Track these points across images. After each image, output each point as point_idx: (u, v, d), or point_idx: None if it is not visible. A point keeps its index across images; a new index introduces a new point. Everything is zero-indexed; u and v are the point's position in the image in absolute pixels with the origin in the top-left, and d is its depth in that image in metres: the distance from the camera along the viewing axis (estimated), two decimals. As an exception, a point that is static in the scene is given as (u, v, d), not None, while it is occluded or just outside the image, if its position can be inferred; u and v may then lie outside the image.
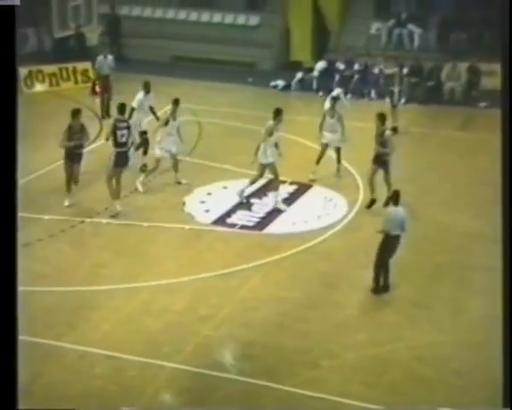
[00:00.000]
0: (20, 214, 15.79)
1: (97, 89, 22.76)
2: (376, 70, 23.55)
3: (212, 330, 11.59)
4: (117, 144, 15.05)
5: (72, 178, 15.55)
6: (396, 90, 20.96)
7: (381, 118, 15.66)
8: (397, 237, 12.28)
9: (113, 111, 19.51)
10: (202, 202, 15.92)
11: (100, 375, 10.52)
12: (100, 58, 21.69)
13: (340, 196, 16.17)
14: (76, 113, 15.57)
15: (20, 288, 12.21)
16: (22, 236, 14.28)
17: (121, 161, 15.04)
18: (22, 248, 13.33)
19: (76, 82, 24.39)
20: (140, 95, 17.42)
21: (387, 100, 21.11)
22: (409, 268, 13.16)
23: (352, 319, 11.97)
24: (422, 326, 11.70)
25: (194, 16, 27.78)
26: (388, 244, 12.26)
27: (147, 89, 17.47)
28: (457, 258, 13.71)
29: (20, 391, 9.98)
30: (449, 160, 18.40)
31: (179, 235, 14.56)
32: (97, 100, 21.84)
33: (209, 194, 16.27)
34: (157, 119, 17.18)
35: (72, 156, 15.47)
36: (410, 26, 25.10)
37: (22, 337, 10.88)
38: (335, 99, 17.66)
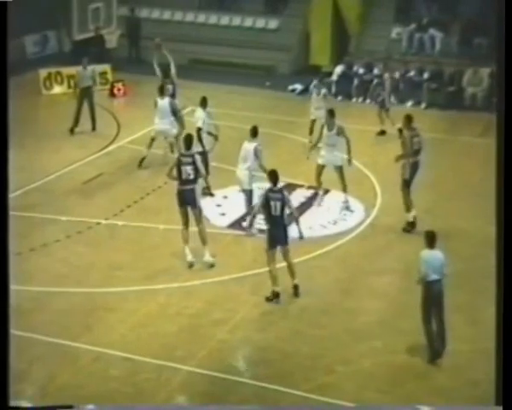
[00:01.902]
0: (38, 215, 15.97)
1: (117, 91, 22.82)
2: (397, 75, 23.37)
3: (227, 334, 11.54)
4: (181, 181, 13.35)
5: None
6: (386, 93, 20.56)
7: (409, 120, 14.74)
8: (437, 282, 10.77)
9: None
10: (218, 206, 15.88)
11: (115, 377, 10.53)
12: (79, 70, 20.53)
13: (357, 201, 16.07)
14: None
15: (37, 288, 12.31)
16: (40, 237, 14.49)
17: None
18: (40, 248, 13.56)
19: (95, 84, 24.42)
20: (200, 112, 16.43)
21: (377, 104, 20.48)
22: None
23: (368, 325, 11.86)
24: (440, 334, 11.56)
25: (213, 19, 27.75)
26: (428, 292, 10.72)
27: (204, 104, 16.49)
28: (476, 265, 13.56)
29: (35, 391, 10.15)
30: (469, 166, 18.22)
31: (195, 238, 14.51)
32: (115, 102, 21.90)
33: (225, 197, 16.23)
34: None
35: None
36: (432, 31, 24.81)
37: (39, 337, 11.07)
38: (331, 112, 15.70)
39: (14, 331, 11.21)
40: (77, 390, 10.25)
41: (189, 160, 13.30)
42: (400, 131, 16.08)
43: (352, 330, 11.70)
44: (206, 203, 15.75)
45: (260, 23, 27.15)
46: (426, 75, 23.27)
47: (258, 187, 16.34)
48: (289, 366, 10.81)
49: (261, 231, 14.68)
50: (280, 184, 12.49)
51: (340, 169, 15.47)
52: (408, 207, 14.73)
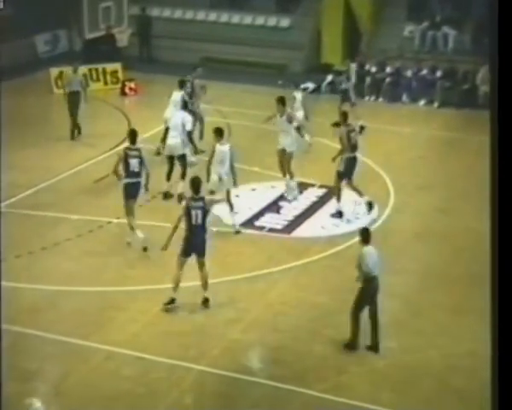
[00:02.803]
0: (50, 214, 15.94)
1: (128, 90, 22.77)
2: (409, 73, 23.23)
3: (240, 334, 11.48)
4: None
5: None
6: (350, 87, 20.31)
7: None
8: (375, 278, 10.91)
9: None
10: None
11: (127, 376, 10.50)
12: (69, 72, 20.04)
13: (370, 200, 15.93)
14: None
15: (49, 287, 12.28)
16: (51, 236, 14.46)
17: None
18: (52, 247, 13.53)
19: (105, 83, 24.43)
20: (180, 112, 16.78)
21: (344, 99, 20.05)
22: (444, 276, 12.93)
23: (383, 325, 11.70)
24: (457, 335, 11.43)
25: (224, 18, 27.68)
26: (368, 287, 10.85)
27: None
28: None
29: (47, 389, 10.11)
30: (483, 165, 18.00)
31: (207, 237, 14.42)
32: (126, 101, 21.85)
33: (237, 196, 16.12)
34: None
35: None
36: (445, 29, 24.54)
37: (51, 336, 11.03)
38: (281, 100, 15.94)
39: (26, 330, 11.26)
40: (89, 389, 10.25)
41: (136, 153, 13.75)
42: (337, 125, 16.47)
43: (366, 330, 11.56)
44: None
45: (272, 21, 27.04)
46: (439, 73, 23.04)
47: (271, 185, 16.35)
48: (302, 365, 10.73)
49: (272, 230, 14.63)
50: (201, 194, 12.01)
51: (289, 155, 15.80)
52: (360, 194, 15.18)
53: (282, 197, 15.90)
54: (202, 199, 11.88)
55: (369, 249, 11.02)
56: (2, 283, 12.47)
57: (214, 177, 14.33)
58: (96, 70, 24.23)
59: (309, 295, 12.51)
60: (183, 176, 15.80)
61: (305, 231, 14.74)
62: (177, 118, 16.24)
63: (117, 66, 24.45)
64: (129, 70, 24.38)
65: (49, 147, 18.64)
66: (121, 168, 13.79)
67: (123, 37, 26.39)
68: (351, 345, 11.01)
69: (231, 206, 14.54)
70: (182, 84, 17.90)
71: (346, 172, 15.00)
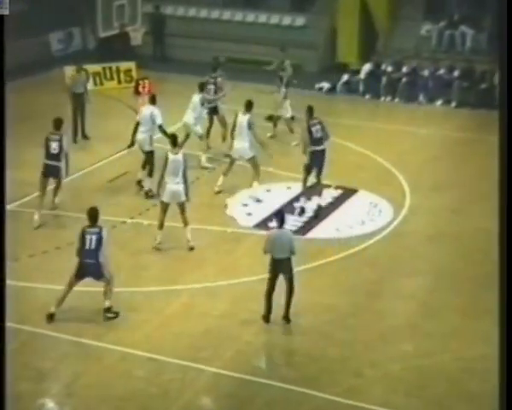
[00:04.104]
0: (64, 213, 15.93)
1: (141, 89, 22.71)
2: (426, 73, 23.00)
3: (253, 336, 11.43)
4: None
5: None
6: (285, 76, 20.06)
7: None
8: (283, 261, 11.53)
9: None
10: (244, 205, 15.74)
11: (139, 377, 10.48)
12: (72, 72, 20.06)
13: (385, 201, 15.84)
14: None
15: (62, 287, 12.23)
16: (65, 235, 14.44)
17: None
18: (66, 247, 13.50)
19: (119, 82, 24.41)
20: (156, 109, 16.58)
21: (281, 89, 19.87)
22: (457, 277, 12.81)
23: (397, 328, 11.68)
24: (470, 338, 11.34)
25: (239, 16, 27.61)
26: (272, 268, 11.57)
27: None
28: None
29: (60, 390, 10.09)
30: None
31: (220, 238, 14.38)
32: (140, 100, 21.74)
33: (252, 197, 16.07)
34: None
35: None
36: (463, 28, 24.25)
37: (64, 336, 11.02)
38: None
39: (39, 330, 11.25)
40: (101, 390, 10.23)
41: (57, 137, 15.01)
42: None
43: (380, 332, 11.51)
44: (233, 203, 15.61)
45: (287, 20, 26.93)
46: (456, 73, 22.74)
47: (286, 187, 16.27)
48: (316, 368, 10.66)
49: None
50: (99, 223, 11.96)
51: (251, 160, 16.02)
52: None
53: (296, 199, 15.83)
54: (99, 227, 11.85)
55: (279, 232, 11.66)
56: (13, 282, 12.56)
57: (168, 187, 13.75)
58: (110, 69, 24.21)
59: (323, 297, 12.43)
60: (151, 173, 15.89)
61: (319, 232, 14.65)
62: (146, 112, 16.22)
63: (131, 64, 24.44)
64: (143, 69, 24.31)
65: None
66: None
67: (137, 35, 26.36)
68: (264, 317, 11.65)
69: (185, 222, 13.92)
70: (202, 87, 17.77)
71: (312, 165, 15.30)
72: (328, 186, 16.10)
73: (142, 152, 16.30)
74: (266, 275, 12.89)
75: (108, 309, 11.82)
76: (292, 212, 15.30)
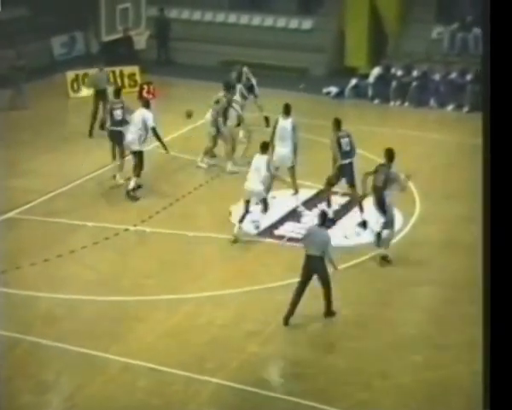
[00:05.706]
0: (65, 221, 15.73)
1: (145, 93, 22.48)
2: (437, 76, 22.60)
3: (259, 347, 11.20)
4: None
5: None
6: (253, 80, 19.87)
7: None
8: (315, 258, 11.53)
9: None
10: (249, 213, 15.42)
11: (142, 388, 10.33)
12: (95, 72, 20.69)
13: (395, 209, 15.50)
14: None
15: (65, 296, 12.06)
16: (67, 243, 14.25)
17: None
18: (67, 255, 13.29)
19: (123, 86, 24.13)
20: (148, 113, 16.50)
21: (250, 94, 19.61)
22: (471, 287, 12.46)
23: (408, 338, 11.41)
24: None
25: (244, 20, 27.31)
26: (305, 264, 11.57)
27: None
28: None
29: (63, 401, 9.87)
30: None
31: (225, 245, 14.13)
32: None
33: (257, 204, 15.76)
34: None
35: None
36: (476, 30, 23.62)
37: (67, 346, 10.79)
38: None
39: (41, 340, 11.03)
40: (104, 401, 10.09)
41: (120, 105, 16.63)
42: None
43: (390, 343, 11.27)
44: (236, 210, 15.34)
45: (294, 23, 26.60)
46: (469, 77, 22.16)
47: (291, 193, 15.96)
48: (324, 380, 10.44)
49: (292, 239, 14.24)
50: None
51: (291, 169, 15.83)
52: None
53: (302, 205, 15.54)
54: None
55: (317, 229, 11.83)
56: (14, 291, 12.35)
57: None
58: (114, 73, 23.91)
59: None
60: (138, 174, 15.87)
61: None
62: (138, 115, 16.25)
63: (134, 69, 24.20)
64: (147, 73, 24.14)
65: (65, 153, 18.45)
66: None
67: (141, 39, 26.15)
68: (285, 318, 11.59)
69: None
70: (227, 87, 17.77)
71: (339, 178, 14.97)
72: (335, 193, 15.79)
73: (130, 152, 16.25)
74: (271, 284, 12.78)
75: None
76: (297, 219, 15.05)
